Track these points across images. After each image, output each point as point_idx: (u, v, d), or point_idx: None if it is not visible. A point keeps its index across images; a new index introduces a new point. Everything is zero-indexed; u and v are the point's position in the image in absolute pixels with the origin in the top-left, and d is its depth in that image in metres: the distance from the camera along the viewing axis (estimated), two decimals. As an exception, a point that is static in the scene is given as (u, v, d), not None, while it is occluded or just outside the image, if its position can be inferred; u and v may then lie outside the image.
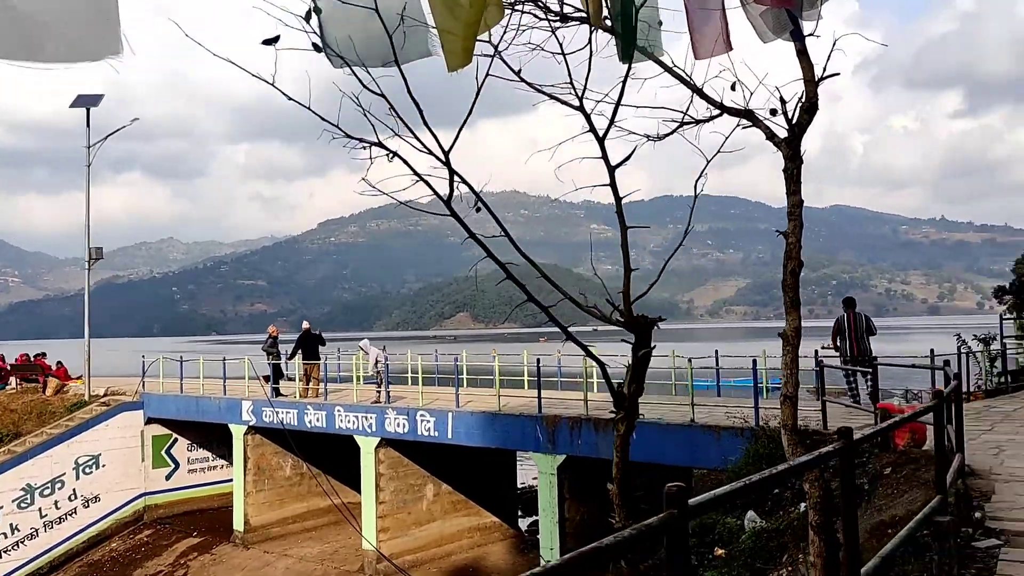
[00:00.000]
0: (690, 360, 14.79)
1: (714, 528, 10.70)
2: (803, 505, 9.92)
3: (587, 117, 5.31)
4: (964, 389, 16.54)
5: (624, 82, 5.13)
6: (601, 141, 5.34)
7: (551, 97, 5.26)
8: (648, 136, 5.63)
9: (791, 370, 5.63)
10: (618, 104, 5.19)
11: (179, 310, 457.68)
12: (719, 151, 5.54)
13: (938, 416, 5.83)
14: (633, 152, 5.33)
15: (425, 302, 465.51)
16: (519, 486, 22.98)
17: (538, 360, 16.75)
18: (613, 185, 5.49)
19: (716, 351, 18.97)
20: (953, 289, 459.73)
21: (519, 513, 22.14)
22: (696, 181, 5.55)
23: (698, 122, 5.55)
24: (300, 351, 21.62)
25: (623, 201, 6.02)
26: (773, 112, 5.30)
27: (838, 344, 15.20)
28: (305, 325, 22.00)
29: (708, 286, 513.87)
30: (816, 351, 16.19)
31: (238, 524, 22.59)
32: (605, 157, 5.39)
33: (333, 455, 21.95)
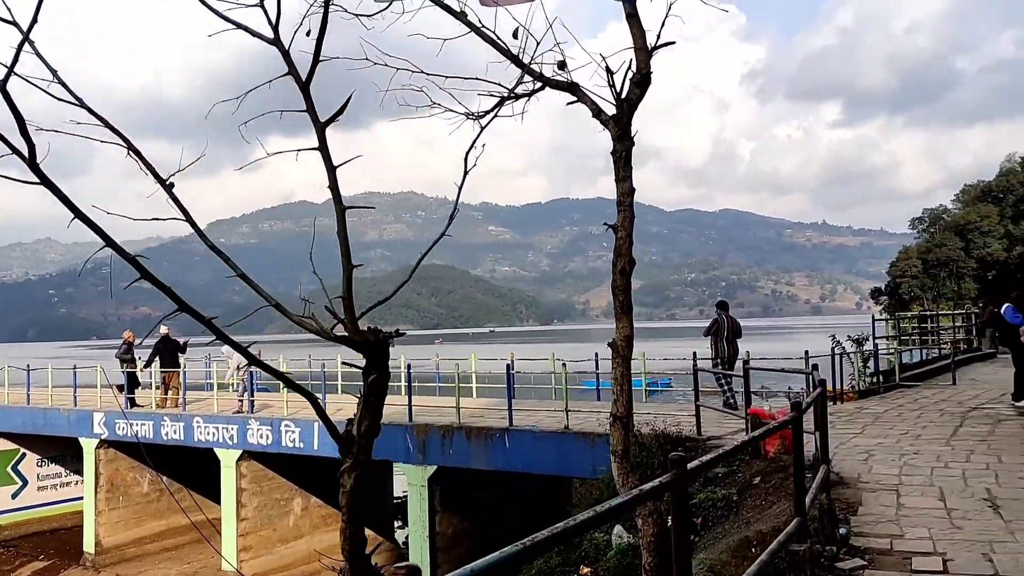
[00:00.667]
0: (564, 364, 14.16)
1: (581, 544, 10.08)
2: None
3: (285, 54, 4.39)
4: (838, 390, 16.60)
5: (324, 16, 4.24)
6: (304, 88, 4.42)
7: (239, 27, 4.31)
8: (469, 115, 4.83)
9: (622, 386, 4.92)
10: (317, 50, 4.27)
11: (56, 313, 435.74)
12: (494, 116, 4.76)
13: (796, 430, 5.27)
14: (345, 105, 4.43)
15: (320, 305, 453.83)
16: (397, 496, 21.97)
17: (408, 365, 15.86)
18: (323, 147, 4.55)
19: (596, 353, 18.48)
20: (834, 290, 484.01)
21: (396, 525, 21.14)
22: (467, 152, 4.73)
23: (519, 96, 4.79)
24: (158, 358, 20.05)
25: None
26: (610, 73, 4.53)
27: (712, 344, 15.16)
28: (163, 330, 20.38)
29: (604, 287, 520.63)
30: (694, 353, 15.88)
31: (89, 545, 20.79)
32: (311, 110, 4.47)
33: (196, 469, 20.44)
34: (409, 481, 15.30)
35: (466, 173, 4.49)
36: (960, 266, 78.81)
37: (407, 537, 20.76)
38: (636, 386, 18.62)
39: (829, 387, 17.32)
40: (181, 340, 20.81)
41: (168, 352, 20.06)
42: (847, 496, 8.15)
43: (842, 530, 6.76)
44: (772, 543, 5.40)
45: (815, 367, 9.33)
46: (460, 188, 4.42)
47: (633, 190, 4.62)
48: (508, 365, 14.56)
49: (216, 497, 19.81)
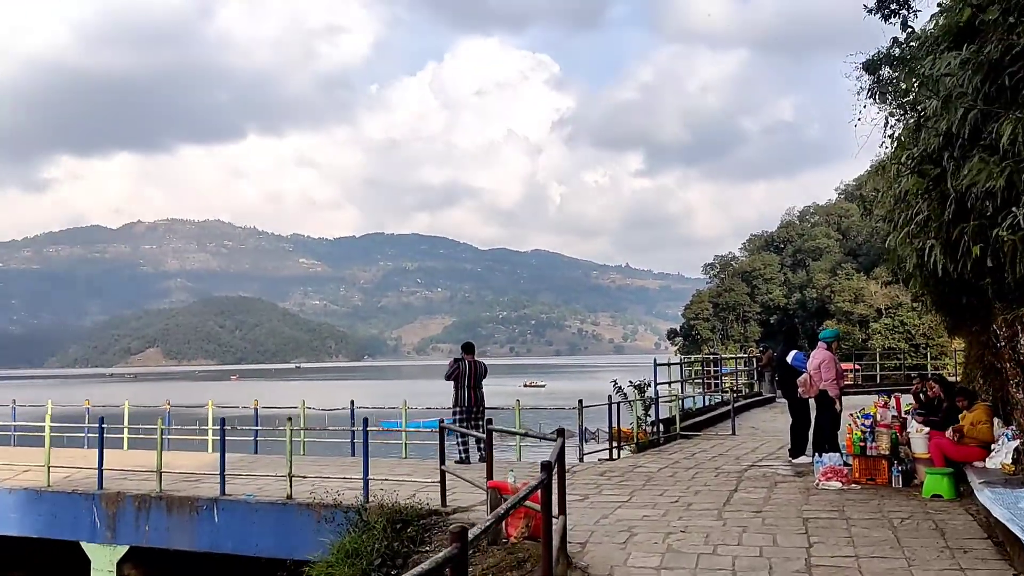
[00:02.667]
0: (290, 419, 11.58)
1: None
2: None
3: None
4: (621, 433, 15.20)
5: None
6: None
7: None
8: None
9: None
10: None
11: None
12: None
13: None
14: None
15: (110, 336, 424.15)
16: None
17: (86, 411, 12.69)
18: None
19: (352, 401, 16.07)
20: (635, 330, 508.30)
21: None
22: None
23: None
24: None
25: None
26: None
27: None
28: None
29: (416, 323, 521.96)
30: (454, 414, 13.81)
31: None
32: None
33: None
34: (95, 566, 12.12)
35: None
36: (746, 310, 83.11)
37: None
38: (404, 427, 16.43)
39: (609, 431, 15.92)
40: None
41: None
42: (590, 607, 6.26)
43: None
44: None
45: (560, 431, 7.43)
46: None
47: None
48: (222, 419, 11.78)
49: None
